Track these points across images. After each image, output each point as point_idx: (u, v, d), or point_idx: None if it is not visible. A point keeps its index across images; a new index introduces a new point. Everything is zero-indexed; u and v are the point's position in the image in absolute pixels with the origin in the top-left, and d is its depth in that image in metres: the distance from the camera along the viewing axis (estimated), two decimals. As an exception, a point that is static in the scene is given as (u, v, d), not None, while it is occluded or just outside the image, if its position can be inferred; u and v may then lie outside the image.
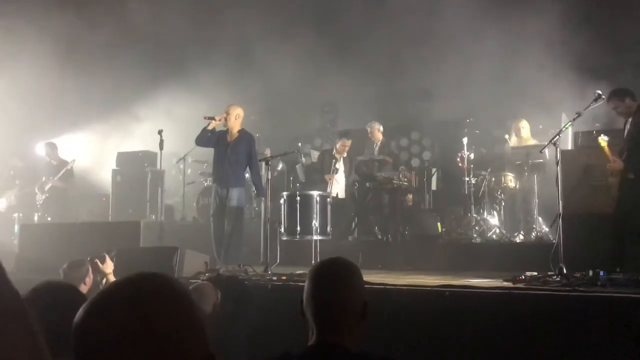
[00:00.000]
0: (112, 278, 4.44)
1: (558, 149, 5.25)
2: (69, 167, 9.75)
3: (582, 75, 7.54)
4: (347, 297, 1.99)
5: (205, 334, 0.96)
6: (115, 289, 0.96)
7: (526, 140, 8.16)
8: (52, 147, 10.06)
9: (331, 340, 1.97)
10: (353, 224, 8.81)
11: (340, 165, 8.87)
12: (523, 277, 5.24)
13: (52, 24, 10.33)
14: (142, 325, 0.90)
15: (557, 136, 5.26)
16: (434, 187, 9.70)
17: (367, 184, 8.73)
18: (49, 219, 9.43)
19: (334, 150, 8.99)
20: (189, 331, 0.94)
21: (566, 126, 5.55)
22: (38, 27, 10.29)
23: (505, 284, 5.06)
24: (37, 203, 9.54)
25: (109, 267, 4.46)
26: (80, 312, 0.94)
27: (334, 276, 2.02)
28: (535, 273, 5.31)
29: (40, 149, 10.75)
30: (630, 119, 5.59)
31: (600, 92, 5.39)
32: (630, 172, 5.43)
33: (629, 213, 5.43)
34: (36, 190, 9.64)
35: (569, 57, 8.05)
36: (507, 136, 8.30)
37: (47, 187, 9.63)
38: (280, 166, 9.74)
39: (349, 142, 8.85)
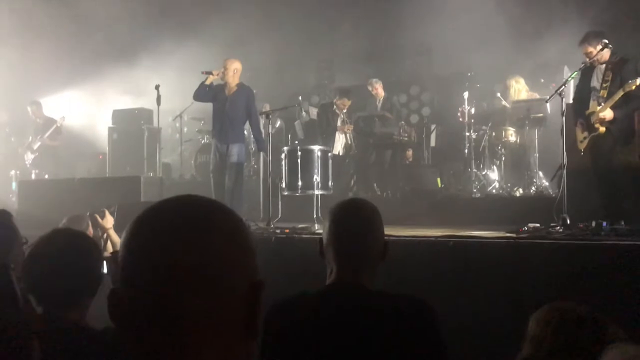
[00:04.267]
0: (112, 233, 4.39)
1: (563, 100, 5.20)
2: (58, 125, 9.61)
3: (584, 27, 7.44)
4: (370, 236, 1.99)
5: (255, 260, 0.91)
6: (165, 213, 0.89)
7: (520, 97, 8.10)
8: (37, 105, 9.89)
9: (350, 279, 1.97)
10: (352, 180, 8.80)
11: (340, 121, 8.79)
12: (526, 228, 5.26)
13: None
14: (197, 253, 0.84)
15: (563, 87, 5.20)
16: (433, 143, 9.66)
17: (367, 140, 8.67)
18: (46, 176, 9.37)
19: (334, 106, 8.89)
20: (243, 258, 0.89)
21: (572, 76, 5.49)
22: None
23: (508, 234, 5.07)
24: (27, 163, 9.44)
25: (109, 222, 4.40)
26: (128, 237, 0.87)
27: (357, 214, 2.01)
28: (538, 225, 5.32)
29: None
30: (603, 66, 5.41)
31: (607, 41, 5.30)
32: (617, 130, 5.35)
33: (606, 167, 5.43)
34: (22, 151, 9.55)
35: (571, 9, 7.92)
36: (499, 94, 8.24)
37: (35, 146, 9.52)
38: (278, 123, 9.64)
39: (349, 103, 8.75)
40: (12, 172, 9.48)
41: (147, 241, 0.85)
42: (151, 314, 0.84)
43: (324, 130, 8.78)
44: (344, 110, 8.81)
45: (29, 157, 9.50)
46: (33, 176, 9.44)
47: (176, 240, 0.84)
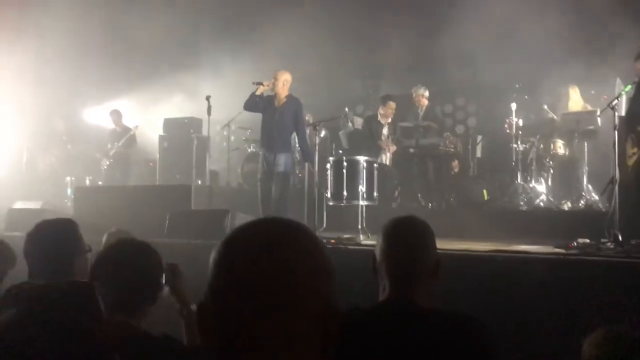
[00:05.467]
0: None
1: (616, 114, 5.11)
2: (131, 133, 10.03)
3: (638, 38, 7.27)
4: (423, 254, 2.02)
5: (334, 286, 0.95)
6: (253, 236, 0.94)
7: (576, 108, 7.97)
8: (117, 114, 10.37)
9: (404, 296, 2.00)
10: (396, 191, 8.78)
11: (385, 131, 8.81)
12: (575, 243, 5.16)
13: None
14: (280, 276, 0.89)
15: (616, 100, 5.12)
16: (478, 154, 9.57)
17: (411, 150, 8.65)
18: (100, 182, 9.71)
19: (378, 116, 8.91)
20: (323, 284, 0.93)
21: (625, 89, 5.40)
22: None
23: (557, 250, 5.00)
24: (102, 168, 9.88)
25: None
26: (217, 257, 0.94)
27: (411, 232, 2.04)
28: (588, 240, 5.22)
29: (88, 115, 11.05)
30: None
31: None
32: None
33: None
34: (99, 156, 9.98)
35: (624, 19, 7.75)
36: (545, 106, 8.13)
37: (111, 153, 9.93)
38: (323, 132, 9.71)
39: (394, 105, 8.75)
40: (68, 179, 9.86)
41: (234, 262, 0.92)
42: (233, 330, 0.90)
43: (364, 142, 8.82)
44: (389, 120, 8.81)
45: (105, 163, 9.94)
46: (87, 182, 9.81)
47: (260, 262, 0.90)
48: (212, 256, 0.95)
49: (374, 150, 8.54)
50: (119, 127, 10.26)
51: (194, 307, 2.44)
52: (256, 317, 0.89)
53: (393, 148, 8.67)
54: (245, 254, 0.92)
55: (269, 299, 0.89)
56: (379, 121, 8.82)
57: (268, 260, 0.90)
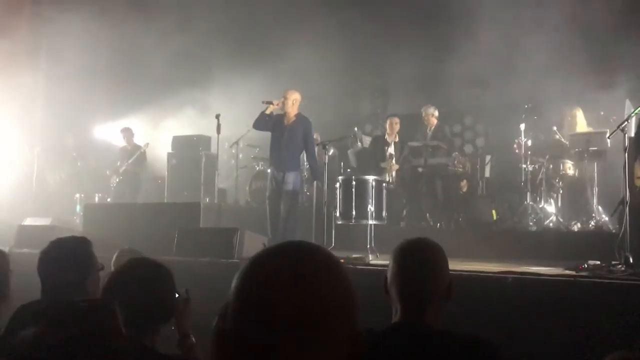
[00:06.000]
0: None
1: (626, 136, 5.11)
2: (141, 151, 10.09)
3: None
4: (434, 277, 2.02)
5: (357, 311, 0.94)
6: (274, 262, 0.93)
7: (581, 130, 7.98)
8: (129, 132, 10.42)
9: (416, 319, 2.00)
10: (404, 210, 8.77)
11: (391, 150, 8.83)
12: (586, 265, 5.13)
13: (109, 13, 10.62)
14: (301, 304, 0.89)
15: (625, 122, 5.12)
16: (487, 174, 9.55)
17: (419, 170, 8.65)
18: (109, 199, 9.76)
19: (386, 135, 8.96)
20: (345, 310, 0.92)
21: (635, 112, 5.40)
22: (96, 15, 10.59)
23: (568, 272, 4.97)
24: (111, 186, 9.92)
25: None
26: (238, 282, 0.93)
27: (421, 256, 2.05)
28: (598, 262, 5.19)
29: (98, 132, 11.14)
30: None
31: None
32: None
33: None
34: (109, 174, 10.03)
35: (635, 38, 7.77)
36: (555, 128, 8.14)
37: (121, 170, 9.99)
38: (331, 151, 9.73)
39: (397, 120, 8.81)
40: (77, 195, 9.90)
41: (252, 288, 0.91)
42: (253, 356, 0.89)
43: (372, 161, 8.85)
44: (396, 139, 8.84)
45: (114, 180, 9.99)
46: (97, 199, 9.85)
47: (281, 290, 0.89)
48: (233, 283, 0.94)
49: (380, 169, 8.57)
50: (129, 145, 10.33)
51: (192, 339, 2.44)
52: (276, 342, 0.88)
53: (395, 167, 8.68)
54: (265, 279, 0.91)
55: (289, 324, 0.88)
56: (386, 140, 8.87)
57: (287, 285, 0.89)
